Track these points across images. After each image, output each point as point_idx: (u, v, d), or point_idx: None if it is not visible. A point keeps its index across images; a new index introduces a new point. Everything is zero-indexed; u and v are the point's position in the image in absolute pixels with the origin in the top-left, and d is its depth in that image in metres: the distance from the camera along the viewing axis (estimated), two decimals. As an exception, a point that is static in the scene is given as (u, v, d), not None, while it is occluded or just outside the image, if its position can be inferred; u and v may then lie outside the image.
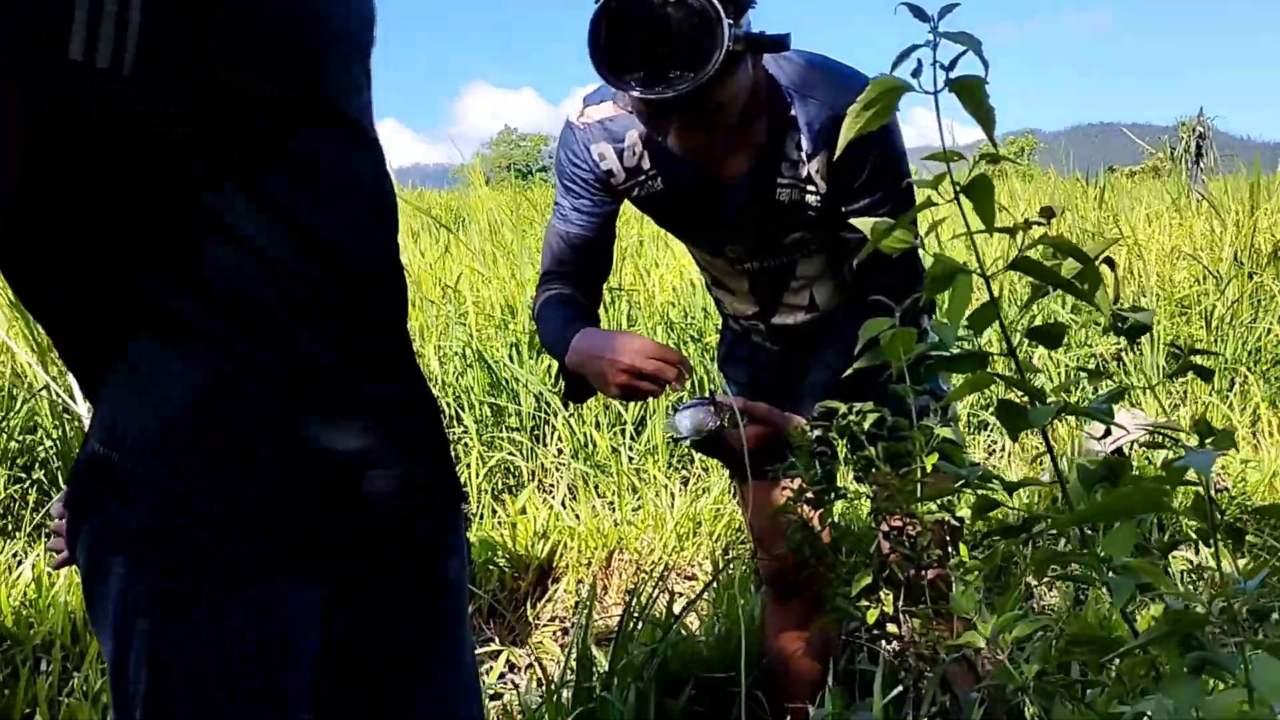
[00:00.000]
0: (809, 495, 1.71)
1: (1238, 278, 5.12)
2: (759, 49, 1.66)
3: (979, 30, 1.07)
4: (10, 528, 3.33)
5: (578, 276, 2.00)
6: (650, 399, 1.85)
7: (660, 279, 4.70)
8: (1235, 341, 4.89)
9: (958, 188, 1.08)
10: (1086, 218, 5.78)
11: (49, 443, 3.64)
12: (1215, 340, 4.87)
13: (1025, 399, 1.11)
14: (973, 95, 1.00)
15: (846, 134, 1.05)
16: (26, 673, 2.29)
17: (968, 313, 1.10)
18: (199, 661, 1.06)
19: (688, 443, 1.80)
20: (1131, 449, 3.72)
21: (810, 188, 1.85)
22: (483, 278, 4.75)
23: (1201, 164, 7.89)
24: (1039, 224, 1.23)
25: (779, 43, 1.65)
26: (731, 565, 2.83)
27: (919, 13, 0.97)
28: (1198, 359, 1.30)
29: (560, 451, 3.86)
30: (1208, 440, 1.28)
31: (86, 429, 1.17)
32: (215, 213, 1.07)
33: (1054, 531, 1.25)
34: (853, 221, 1.23)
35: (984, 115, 1.03)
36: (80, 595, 2.53)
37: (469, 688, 1.28)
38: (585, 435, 3.84)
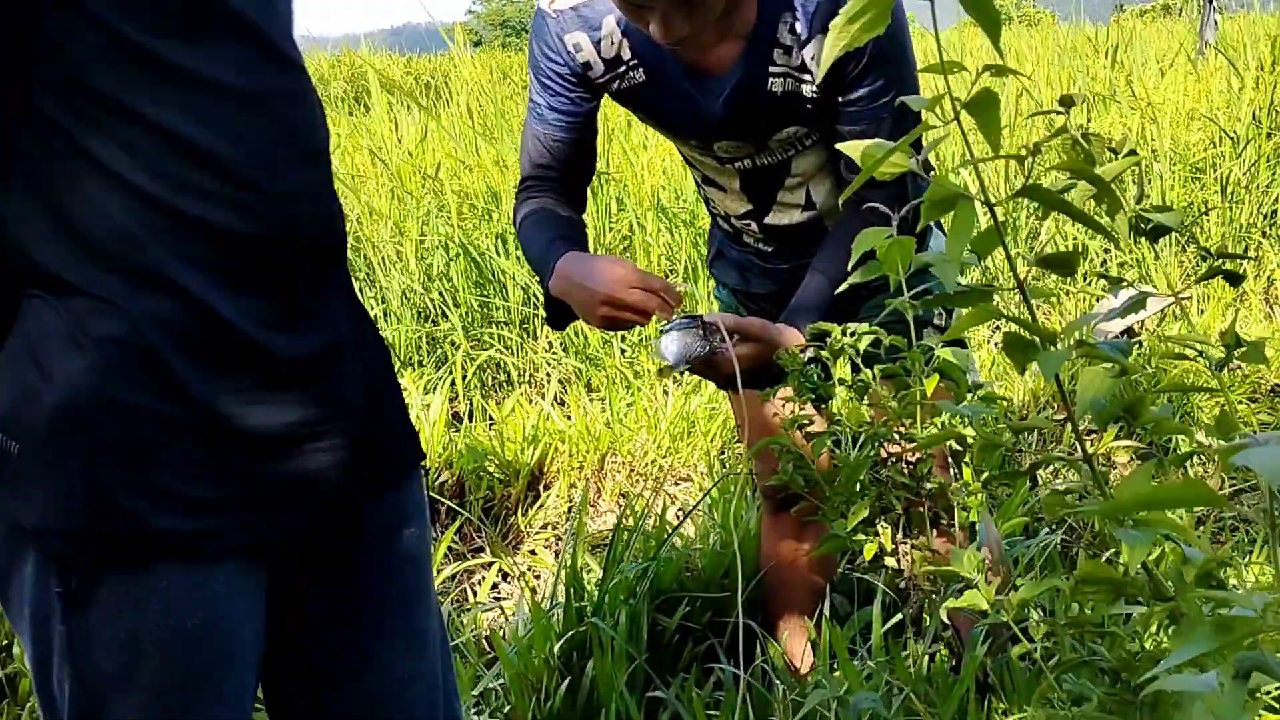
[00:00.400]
0: (802, 424, 1.61)
1: (1255, 139, 4.91)
2: None
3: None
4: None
5: (559, 181, 1.87)
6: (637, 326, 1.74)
7: (649, 162, 4.51)
8: (1251, 206, 4.73)
9: (958, 105, 0.94)
10: (1096, 78, 5.52)
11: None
12: (1229, 205, 4.70)
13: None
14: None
15: (830, 51, 0.92)
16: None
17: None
18: (116, 660, 0.98)
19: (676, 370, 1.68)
20: (1143, 327, 3.60)
21: (806, 76, 1.71)
22: (464, 165, 4.56)
23: (1215, 3, 7.55)
24: (1059, 113, 1.10)
25: None
26: (727, 467, 2.75)
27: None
28: (1229, 264, 1.18)
29: (551, 346, 3.75)
30: (1236, 352, 1.17)
31: None
32: (77, 139, 0.93)
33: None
34: (841, 147, 1.10)
35: (989, 20, 0.90)
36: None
37: (431, 668, 1.19)
38: (576, 328, 3.72)
